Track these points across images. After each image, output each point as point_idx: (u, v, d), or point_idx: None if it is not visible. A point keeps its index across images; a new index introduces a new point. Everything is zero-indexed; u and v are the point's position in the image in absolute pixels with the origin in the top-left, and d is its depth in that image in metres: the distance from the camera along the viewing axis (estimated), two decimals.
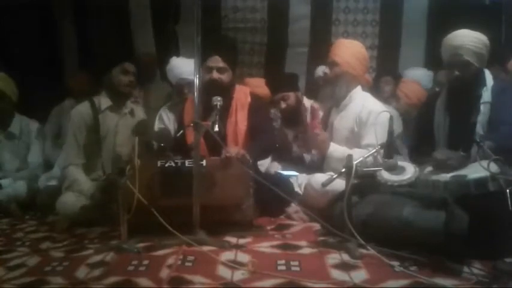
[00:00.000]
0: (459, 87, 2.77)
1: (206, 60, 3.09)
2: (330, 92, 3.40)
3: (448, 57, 2.77)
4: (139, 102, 4.37)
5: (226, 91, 3.11)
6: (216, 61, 3.11)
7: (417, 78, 4.34)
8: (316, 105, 3.23)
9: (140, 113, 3.50)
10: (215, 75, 3.09)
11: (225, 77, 3.12)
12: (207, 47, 2.90)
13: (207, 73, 3.08)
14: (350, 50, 3.28)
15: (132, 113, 3.40)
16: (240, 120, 3.17)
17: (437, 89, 3.74)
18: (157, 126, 3.68)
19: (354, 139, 3.16)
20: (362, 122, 3.13)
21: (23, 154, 4.03)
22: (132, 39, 5.24)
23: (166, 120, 3.64)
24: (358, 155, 2.54)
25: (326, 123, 3.37)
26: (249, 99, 3.25)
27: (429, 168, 2.52)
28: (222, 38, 3.60)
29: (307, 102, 3.83)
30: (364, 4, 5.20)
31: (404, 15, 5.12)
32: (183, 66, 3.67)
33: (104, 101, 3.31)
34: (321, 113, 3.38)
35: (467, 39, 2.70)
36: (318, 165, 3.28)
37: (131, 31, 5.27)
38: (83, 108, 3.30)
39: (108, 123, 3.30)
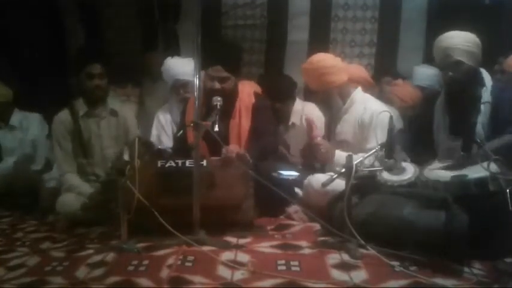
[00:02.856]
0: (455, 87, 2.77)
1: (208, 67, 3.06)
2: (329, 108, 3.40)
3: (439, 59, 2.79)
4: (133, 100, 4.36)
5: (228, 95, 3.10)
6: (218, 71, 3.08)
7: (427, 77, 4.29)
8: (311, 116, 3.21)
9: (126, 111, 3.48)
10: (217, 85, 3.06)
11: (227, 85, 3.10)
12: (209, 55, 2.89)
13: (209, 81, 3.07)
14: (313, 73, 3.26)
15: (113, 113, 3.36)
16: (243, 121, 3.16)
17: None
18: (154, 128, 3.67)
19: (357, 143, 3.14)
20: (365, 125, 3.11)
21: (24, 144, 4.07)
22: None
23: (163, 121, 3.62)
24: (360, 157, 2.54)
25: (330, 129, 3.36)
26: (252, 99, 3.24)
27: (434, 166, 2.52)
28: (224, 46, 3.55)
29: (310, 107, 3.78)
30: (364, 1, 5.18)
31: (404, 12, 5.09)
32: (179, 67, 3.62)
33: (80, 106, 3.29)
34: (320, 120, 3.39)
35: (457, 39, 2.71)
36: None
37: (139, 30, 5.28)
38: (63, 116, 3.29)
39: (90, 127, 3.29)
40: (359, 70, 3.84)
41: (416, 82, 4.33)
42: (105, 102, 3.34)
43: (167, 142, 3.51)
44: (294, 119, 3.69)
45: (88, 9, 5.28)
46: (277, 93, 3.68)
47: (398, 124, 3.57)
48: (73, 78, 4.80)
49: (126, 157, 2.55)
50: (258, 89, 3.84)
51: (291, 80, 3.84)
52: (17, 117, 4.14)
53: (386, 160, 2.56)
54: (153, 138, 3.60)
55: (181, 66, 3.51)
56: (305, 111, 3.61)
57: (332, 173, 2.69)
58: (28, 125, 4.14)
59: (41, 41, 5.10)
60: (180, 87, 3.64)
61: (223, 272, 2.09)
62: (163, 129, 3.63)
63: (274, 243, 2.50)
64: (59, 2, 5.27)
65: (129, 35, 5.29)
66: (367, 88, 3.70)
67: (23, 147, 4.07)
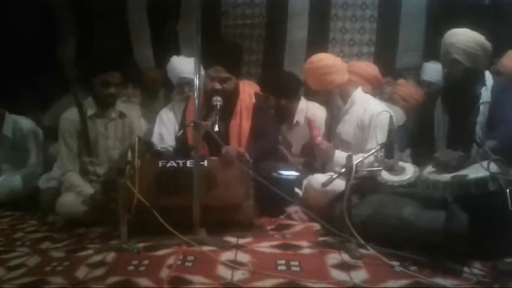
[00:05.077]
0: (450, 85, 2.77)
1: (208, 68, 3.08)
2: (329, 108, 3.41)
3: (441, 54, 2.79)
4: (134, 101, 4.36)
5: (229, 96, 3.10)
6: (219, 71, 3.09)
7: (435, 72, 4.27)
8: (312, 116, 3.21)
9: (132, 112, 3.48)
10: (217, 86, 3.06)
11: (227, 85, 3.10)
12: (210, 55, 2.89)
13: (209, 81, 3.07)
14: (313, 73, 3.26)
15: (121, 115, 3.37)
16: (244, 121, 3.16)
17: None
18: (157, 127, 3.67)
19: (357, 143, 3.14)
20: (365, 126, 3.11)
21: (19, 155, 4.01)
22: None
23: (166, 120, 3.61)
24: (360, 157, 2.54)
25: (331, 129, 3.36)
26: (253, 100, 3.25)
27: (430, 169, 2.52)
28: (225, 46, 3.54)
29: (313, 106, 3.76)
30: (363, 0, 5.19)
31: (403, 11, 5.11)
32: (184, 65, 3.62)
33: (89, 107, 3.29)
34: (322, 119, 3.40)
35: (460, 37, 2.69)
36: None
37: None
38: (71, 114, 3.28)
39: (97, 128, 3.28)
40: (371, 68, 3.76)
41: (425, 77, 4.35)
42: (114, 104, 3.35)
43: (169, 141, 3.50)
44: (298, 117, 3.67)
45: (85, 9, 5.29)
46: (283, 90, 3.64)
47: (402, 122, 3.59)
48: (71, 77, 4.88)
49: (129, 157, 2.55)
50: (259, 90, 3.85)
51: (296, 78, 3.81)
52: (8, 125, 4.01)
53: (386, 160, 2.56)
54: (156, 136, 3.59)
55: (186, 64, 3.50)
56: (308, 110, 3.60)
57: (332, 173, 2.70)
58: (21, 134, 4.02)
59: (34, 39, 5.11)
60: (185, 85, 3.65)
61: (223, 272, 2.09)
62: (165, 128, 3.62)
63: (274, 243, 2.50)
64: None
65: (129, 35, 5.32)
66: (376, 87, 3.68)
67: (18, 159, 4.01)
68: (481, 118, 2.67)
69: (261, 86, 3.76)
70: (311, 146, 3.11)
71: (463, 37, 2.69)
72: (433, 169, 2.49)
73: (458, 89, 2.75)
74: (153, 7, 5.28)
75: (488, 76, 2.77)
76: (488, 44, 2.71)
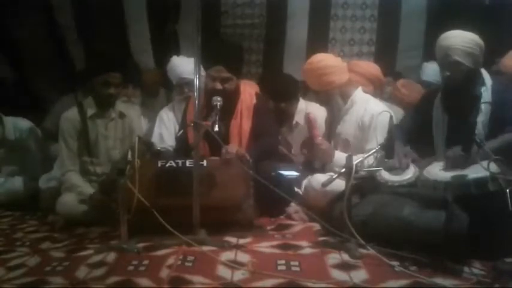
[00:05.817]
0: (452, 87, 2.77)
1: (210, 67, 3.07)
2: (330, 108, 3.42)
3: (440, 57, 2.78)
4: (134, 101, 4.36)
5: (230, 96, 3.10)
6: (220, 71, 3.06)
7: (434, 72, 4.26)
8: (312, 115, 3.21)
9: (132, 112, 3.48)
10: (218, 86, 3.04)
11: (229, 85, 3.08)
12: (211, 55, 2.89)
13: (210, 81, 3.06)
14: (313, 73, 3.26)
15: (121, 115, 3.37)
16: (244, 121, 3.16)
17: None
18: (157, 127, 3.67)
19: (357, 143, 3.14)
20: (365, 126, 3.11)
21: (19, 156, 3.99)
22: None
23: (166, 120, 3.62)
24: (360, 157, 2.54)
25: (331, 129, 3.36)
26: (254, 100, 3.24)
27: (439, 166, 2.52)
28: (226, 46, 3.52)
29: (313, 106, 3.76)
30: None
31: (403, 11, 5.11)
32: (184, 66, 3.63)
33: (89, 107, 3.29)
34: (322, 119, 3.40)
35: (458, 39, 2.69)
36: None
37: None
38: (72, 114, 3.29)
39: (97, 128, 3.29)
40: (373, 68, 3.75)
41: (425, 77, 4.34)
42: (114, 104, 3.35)
43: (169, 141, 3.51)
44: (298, 118, 3.68)
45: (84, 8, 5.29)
46: (282, 93, 3.66)
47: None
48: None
49: (129, 157, 2.55)
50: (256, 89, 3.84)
51: (295, 80, 3.83)
52: (9, 127, 3.94)
53: (386, 160, 2.56)
54: (156, 136, 3.59)
55: (187, 65, 3.50)
56: (308, 111, 3.60)
57: (332, 173, 2.70)
58: (21, 135, 3.97)
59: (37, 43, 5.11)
60: (185, 85, 3.66)
61: (223, 272, 2.08)
62: (165, 128, 3.63)
63: (274, 243, 2.50)
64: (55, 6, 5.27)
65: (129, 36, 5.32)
66: (377, 87, 3.67)
67: (19, 160, 3.99)
68: (482, 118, 2.68)
69: (260, 90, 3.76)
70: (310, 143, 3.10)
71: (461, 39, 2.69)
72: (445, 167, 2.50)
73: (460, 90, 2.75)
74: (153, 7, 5.27)
75: (485, 75, 2.77)
76: (482, 42, 2.72)
